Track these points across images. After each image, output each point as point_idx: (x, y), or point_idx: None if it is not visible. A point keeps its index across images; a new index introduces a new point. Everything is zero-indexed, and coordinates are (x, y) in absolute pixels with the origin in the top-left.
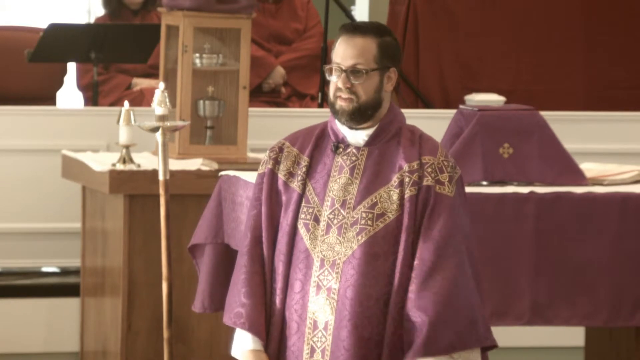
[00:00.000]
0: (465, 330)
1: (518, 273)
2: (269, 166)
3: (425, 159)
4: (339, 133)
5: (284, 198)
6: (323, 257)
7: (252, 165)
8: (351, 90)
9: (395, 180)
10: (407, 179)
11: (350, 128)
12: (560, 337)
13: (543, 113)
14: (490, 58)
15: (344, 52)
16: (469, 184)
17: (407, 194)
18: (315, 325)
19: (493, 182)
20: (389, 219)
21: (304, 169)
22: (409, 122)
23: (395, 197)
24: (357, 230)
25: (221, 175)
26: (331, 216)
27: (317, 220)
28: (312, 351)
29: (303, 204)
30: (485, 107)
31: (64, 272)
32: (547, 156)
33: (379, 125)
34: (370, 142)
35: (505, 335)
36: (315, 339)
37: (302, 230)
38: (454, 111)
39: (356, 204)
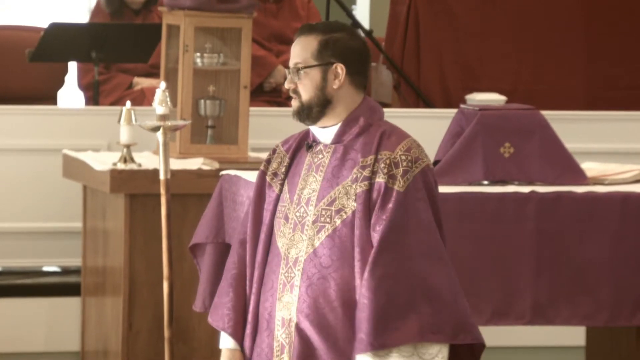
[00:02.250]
0: (398, 328)
1: (519, 273)
2: (262, 168)
3: (382, 154)
4: (313, 132)
5: (267, 199)
6: (289, 255)
7: (253, 165)
8: (295, 90)
9: (352, 175)
10: (359, 175)
11: (321, 127)
12: (561, 336)
13: (544, 113)
14: (491, 58)
15: (292, 52)
16: (470, 184)
17: (358, 189)
18: (282, 323)
19: (494, 182)
20: (346, 215)
21: (283, 169)
22: (410, 121)
23: (352, 192)
24: (318, 227)
25: (222, 175)
26: (297, 214)
27: (286, 218)
28: (282, 348)
29: (279, 203)
30: (486, 106)
31: (65, 271)
32: (548, 156)
33: (343, 122)
34: (337, 140)
35: (506, 335)
36: (283, 336)
37: (275, 228)
38: (455, 111)
39: (317, 201)
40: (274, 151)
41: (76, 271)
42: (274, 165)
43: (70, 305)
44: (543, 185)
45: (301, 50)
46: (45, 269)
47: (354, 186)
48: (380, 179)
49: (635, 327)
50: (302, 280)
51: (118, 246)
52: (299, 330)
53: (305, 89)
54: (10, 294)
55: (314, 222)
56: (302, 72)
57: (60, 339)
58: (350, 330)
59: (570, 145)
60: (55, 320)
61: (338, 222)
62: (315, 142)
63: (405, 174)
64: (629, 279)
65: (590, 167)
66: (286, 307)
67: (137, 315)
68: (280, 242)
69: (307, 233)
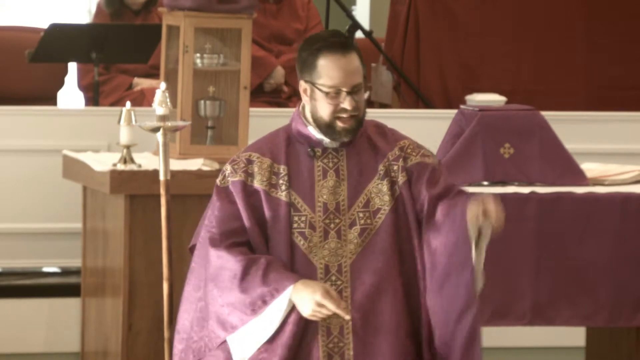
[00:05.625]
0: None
1: (519, 273)
2: (240, 178)
3: (401, 143)
4: (312, 137)
5: (267, 212)
6: (327, 262)
7: None
8: (356, 107)
9: (380, 172)
10: (394, 167)
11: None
12: (561, 337)
13: (544, 113)
14: (491, 58)
15: (345, 72)
16: (470, 184)
17: (401, 180)
18: (329, 331)
19: (494, 183)
20: (385, 212)
21: (285, 178)
22: (410, 122)
23: (385, 188)
24: (358, 230)
25: None
26: (327, 221)
27: (312, 227)
28: (330, 357)
29: (292, 213)
30: (486, 107)
31: (65, 272)
32: (548, 156)
33: None
34: (346, 143)
35: (506, 335)
36: (331, 344)
37: (297, 239)
38: (454, 111)
39: (349, 205)
40: (249, 161)
41: (76, 272)
42: (264, 175)
43: (70, 306)
44: (543, 186)
45: (357, 67)
46: (45, 269)
47: (385, 182)
48: (415, 160)
49: (635, 327)
50: (353, 286)
51: (118, 247)
52: (356, 333)
53: (364, 103)
54: (10, 295)
55: (351, 225)
56: (362, 87)
57: (60, 339)
58: (408, 319)
59: (570, 145)
60: (55, 321)
61: (379, 221)
62: (316, 147)
63: (428, 151)
64: (629, 279)
65: (590, 168)
66: (334, 315)
67: (137, 316)
68: (310, 251)
69: (346, 238)
